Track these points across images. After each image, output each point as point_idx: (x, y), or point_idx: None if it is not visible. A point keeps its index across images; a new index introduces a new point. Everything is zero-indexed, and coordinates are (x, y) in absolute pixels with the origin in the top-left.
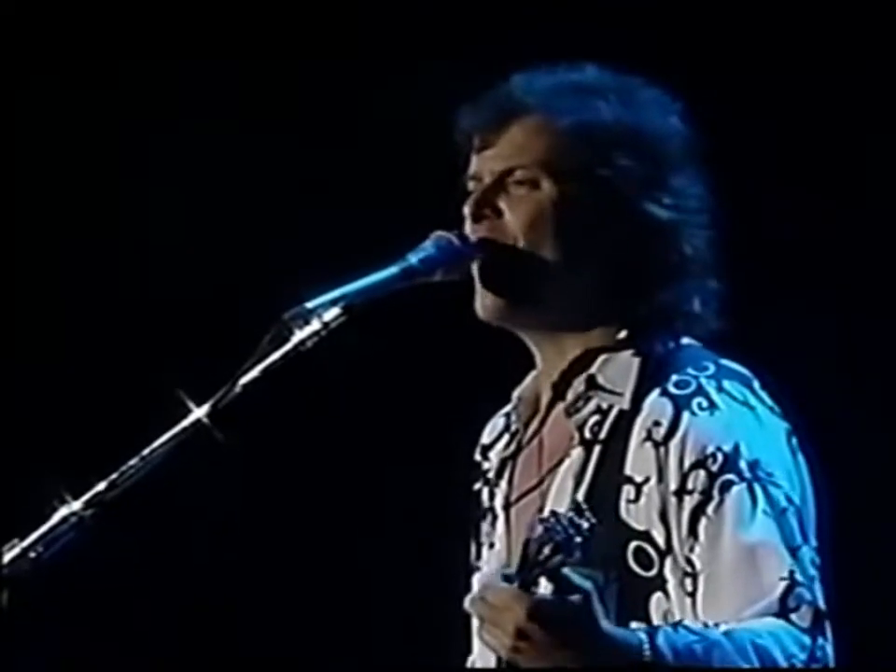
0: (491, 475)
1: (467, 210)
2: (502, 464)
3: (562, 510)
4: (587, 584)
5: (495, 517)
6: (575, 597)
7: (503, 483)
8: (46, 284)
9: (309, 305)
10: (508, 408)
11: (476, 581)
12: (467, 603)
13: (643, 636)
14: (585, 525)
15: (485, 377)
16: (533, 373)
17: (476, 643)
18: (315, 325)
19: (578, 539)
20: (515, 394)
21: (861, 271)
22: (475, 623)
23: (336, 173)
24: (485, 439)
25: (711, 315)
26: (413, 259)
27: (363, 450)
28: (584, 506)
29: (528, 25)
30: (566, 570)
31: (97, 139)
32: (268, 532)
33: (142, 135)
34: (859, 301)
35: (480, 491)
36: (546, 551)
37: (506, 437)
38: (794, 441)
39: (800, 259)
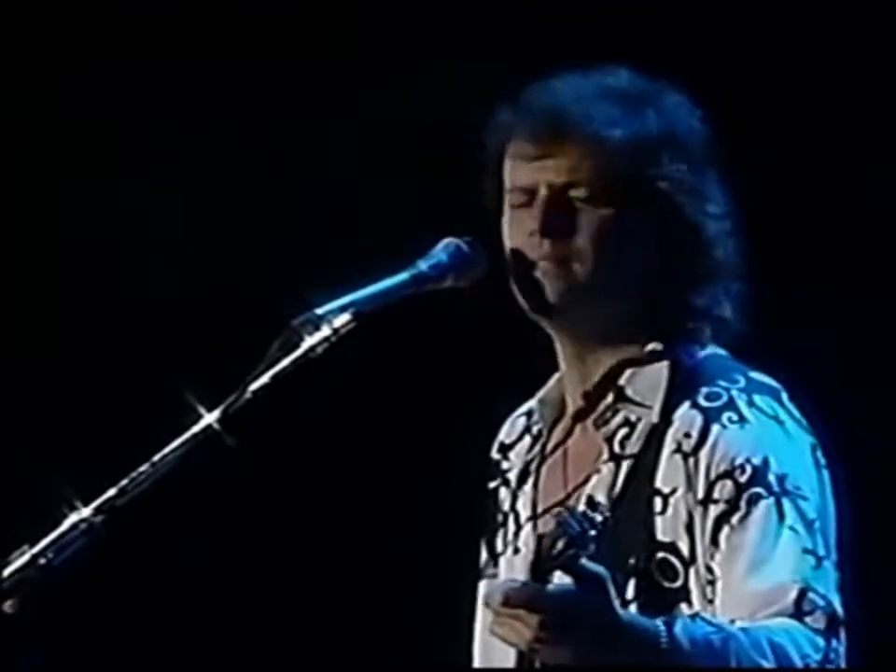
0: (511, 476)
1: (534, 224)
2: (525, 468)
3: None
4: (601, 571)
5: (518, 522)
6: (591, 585)
7: (527, 488)
8: (53, 289)
9: (319, 311)
10: (526, 407)
11: (488, 583)
12: (484, 598)
13: (661, 624)
14: (599, 518)
15: (493, 382)
16: (556, 376)
17: (479, 646)
18: (325, 331)
19: (592, 533)
20: (538, 396)
21: (880, 275)
22: (483, 623)
23: (344, 177)
24: (505, 437)
25: (739, 319)
26: (423, 265)
27: (370, 455)
28: (598, 500)
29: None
30: (580, 561)
31: (98, 139)
32: (277, 536)
33: (143, 135)
34: (877, 304)
35: (497, 490)
36: (560, 545)
37: (527, 438)
38: (819, 454)
39: (814, 261)
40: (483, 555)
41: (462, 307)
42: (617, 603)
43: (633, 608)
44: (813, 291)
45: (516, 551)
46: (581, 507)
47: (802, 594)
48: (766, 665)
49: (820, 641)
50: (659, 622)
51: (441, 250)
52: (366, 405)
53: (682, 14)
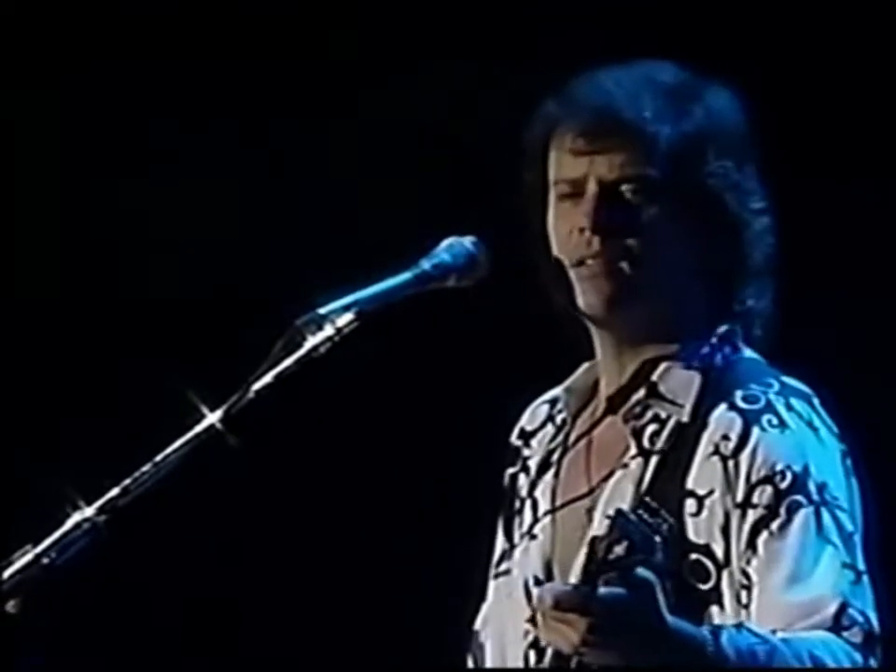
0: (532, 464)
1: (585, 221)
2: (548, 456)
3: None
4: (651, 577)
5: (536, 510)
6: (641, 590)
7: (548, 478)
8: (56, 288)
9: (322, 311)
10: (550, 395)
11: (502, 581)
12: (536, 595)
13: (707, 633)
14: (665, 525)
15: (495, 382)
16: (586, 365)
17: (490, 655)
18: (328, 330)
19: (657, 539)
20: (566, 384)
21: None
22: (498, 613)
23: (345, 176)
24: (527, 424)
25: (775, 318)
26: (426, 264)
27: (372, 454)
28: (655, 505)
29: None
30: (636, 568)
31: (98, 138)
32: (280, 535)
33: (144, 135)
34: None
35: (516, 476)
36: (618, 550)
37: (550, 427)
38: (849, 462)
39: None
40: (499, 542)
41: (465, 306)
42: (665, 609)
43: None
44: (828, 293)
45: (532, 537)
46: (640, 510)
47: (842, 608)
48: None
49: (858, 656)
50: (706, 630)
51: (445, 249)
52: (368, 405)
53: (695, 12)
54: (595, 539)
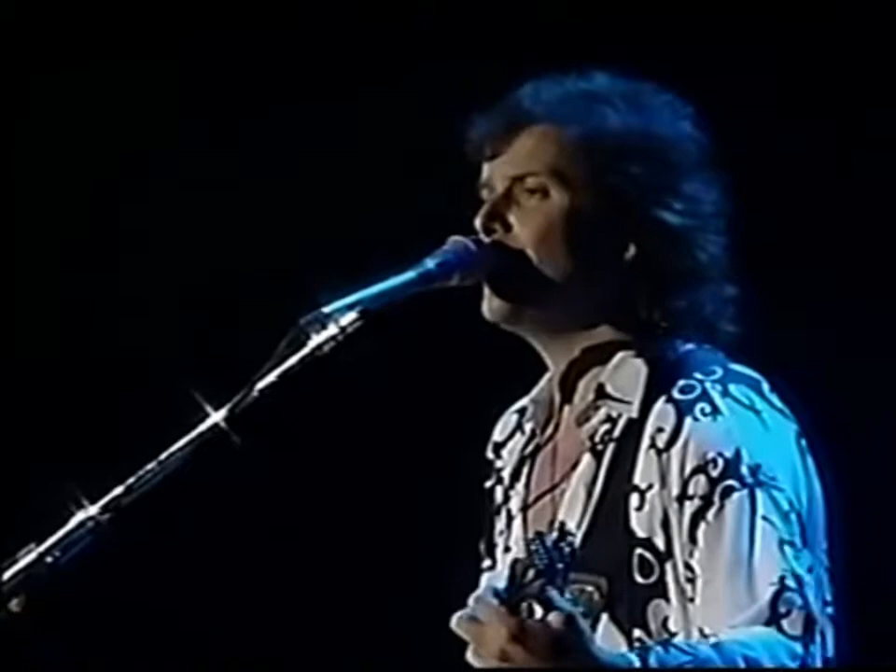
0: (505, 475)
1: (478, 222)
2: (519, 465)
3: (575, 517)
4: (568, 607)
5: (510, 519)
6: (558, 619)
7: (519, 486)
8: (59, 287)
9: (326, 310)
10: (519, 404)
11: (483, 584)
12: (453, 621)
13: (634, 658)
14: (567, 549)
15: (497, 381)
16: (547, 376)
17: None
18: (332, 329)
19: (559, 566)
20: (530, 396)
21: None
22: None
23: (352, 176)
24: (497, 436)
25: (726, 322)
26: (430, 263)
27: (377, 453)
28: (569, 527)
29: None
30: (551, 593)
31: (99, 137)
32: (282, 533)
33: (145, 133)
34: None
35: (493, 489)
36: (530, 574)
37: (519, 436)
38: (803, 442)
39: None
40: (483, 556)
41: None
42: (589, 637)
43: (617, 605)
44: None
45: (506, 550)
46: (553, 535)
47: (778, 594)
48: None
49: (798, 648)
50: (633, 655)
51: (448, 248)
52: (371, 404)
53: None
54: (515, 562)
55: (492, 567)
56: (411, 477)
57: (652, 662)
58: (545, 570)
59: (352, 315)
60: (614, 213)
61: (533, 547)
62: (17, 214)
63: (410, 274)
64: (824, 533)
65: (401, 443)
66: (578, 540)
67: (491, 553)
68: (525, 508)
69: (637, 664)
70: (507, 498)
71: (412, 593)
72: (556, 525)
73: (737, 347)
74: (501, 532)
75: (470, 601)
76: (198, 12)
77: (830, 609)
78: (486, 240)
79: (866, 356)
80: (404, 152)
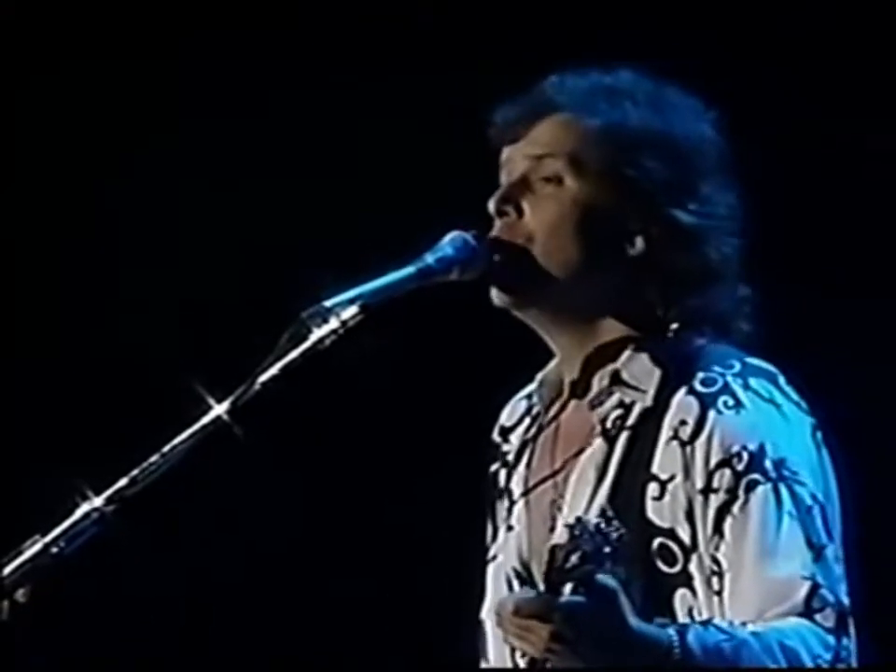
0: (510, 458)
1: (491, 205)
2: (522, 447)
3: (583, 501)
4: (612, 583)
5: (512, 500)
6: (602, 597)
7: (521, 467)
8: (64, 280)
9: (327, 304)
10: (528, 389)
11: (491, 568)
12: (488, 613)
13: (673, 633)
14: (614, 535)
15: (499, 373)
16: (556, 359)
17: (492, 646)
18: (334, 323)
19: (607, 549)
20: (539, 376)
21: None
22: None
23: (352, 171)
24: (505, 420)
25: (741, 321)
26: (429, 258)
27: (379, 445)
28: (611, 513)
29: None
30: (595, 575)
31: (99, 135)
32: (285, 525)
33: (147, 131)
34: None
35: (497, 472)
36: (574, 559)
37: (527, 420)
38: (819, 435)
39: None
40: (488, 537)
41: (469, 299)
42: (630, 614)
43: (633, 591)
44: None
45: (509, 528)
46: (595, 519)
47: (812, 591)
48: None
49: (831, 640)
50: (672, 630)
51: (447, 243)
52: (374, 395)
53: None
54: (555, 548)
55: (496, 558)
56: (412, 470)
57: (691, 638)
58: (592, 554)
59: (353, 310)
60: (626, 206)
61: (576, 531)
62: (18, 211)
63: (409, 269)
64: (840, 527)
65: (402, 437)
66: (623, 528)
67: (495, 535)
68: (527, 488)
69: (676, 639)
70: (509, 479)
71: (414, 584)
72: (570, 506)
73: (751, 345)
74: (504, 513)
75: (510, 596)
76: (197, 12)
77: (847, 601)
78: (497, 222)
79: (874, 351)
80: (404, 148)
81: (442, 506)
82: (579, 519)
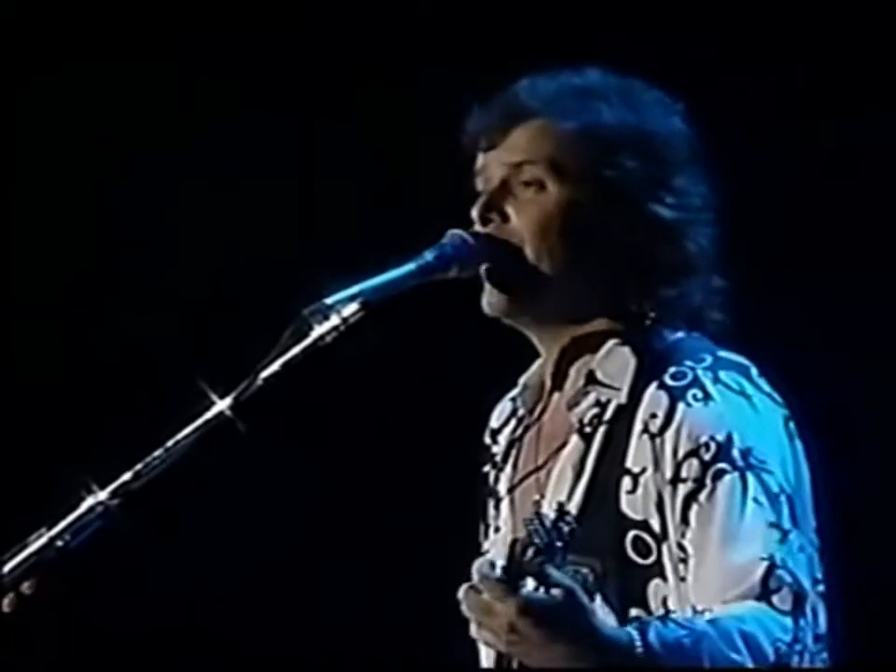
0: (498, 459)
1: (474, 213)
2: (508, 448)
3: (562, 499)
4: (568, 582)
5: (499, 500)
6: (560, 594)
7: (508, 468)
8: (69, 272)
9: (328, 301)
10: (514, 392)
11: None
12: (460, 594)
13: (634, 632)
14: (566, 528)
15: (496, 370)
16: (538, 361)
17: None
18: (334, 320)
19: (559, 544)
20: (522, 380)
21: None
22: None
23: (353, 170)
24: (494, 423)
25: (714, 312)
26: (428, 256)
27: (378, 441)
28: (569, 508)
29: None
30: (549, 570)
31: (100, 133)
32: (286, 517)
33: (149, 129)
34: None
35: (488, 473)
36: (529, 553)
37: (513, 422)
38: (792, 426)
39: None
40: (481, 538)
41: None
42: (590, 612)
43: (610, 585)
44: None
45: (496, 529)
46: (552, 515)
47: (769, 571)
48: (738, 657)
49: (789, 622)
50: (633, 629)
51: (447, 241)
52: (373, 393)
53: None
54: (514, 542)
55: (489, 550)
56: (412, 466)
57: (651, 635)
58: (544, 549)
59: (353, 307)
60: (609, 205)
61: (532, 527)
62: (19, 209)
63: (409, 266)
64: (813, 513)
65: (404, 432)
66: (575, 523)
67: (488, 535)
68: (512, 488)
69: (638, 637)
70: (497, 480)
71: (413, 580)
72: (550, 504)
73: (724, 335)
74: (493, 514)
75: (475, 578)
76: (198, 12)
77: (821, 587)
78: (482, 230)
79: (852, 342)
80: (403, 147)
81: (444, 502)
82: (537, 513)
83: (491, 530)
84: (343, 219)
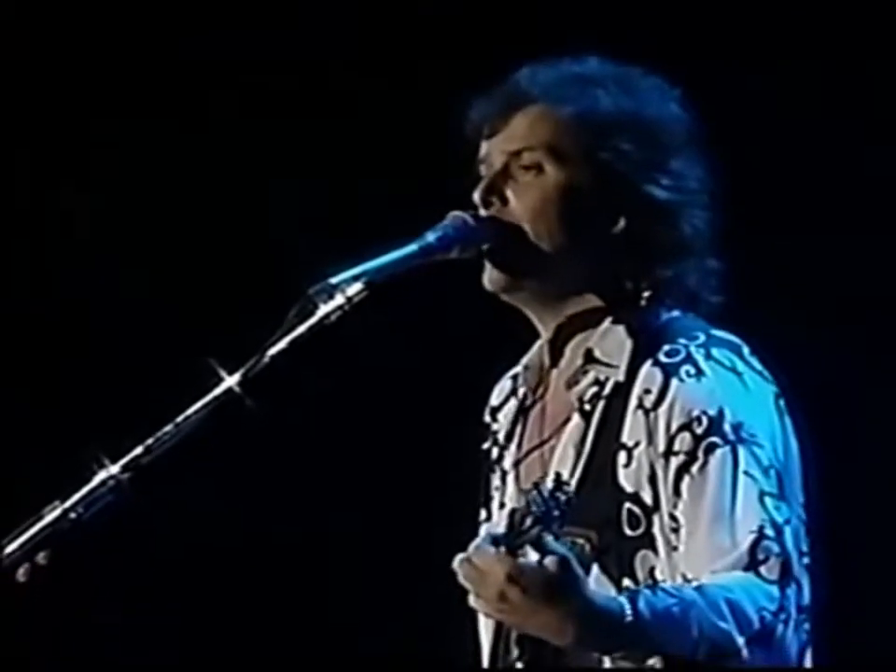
0: (500, 436)
1: (476, 196)
2: (512, 426)
3: (564, 474)
4: (563, 551)
5: (504, 475)
6: (552, 562)
7: (512, 447)
8: (79, 255)
9: (333, 280)
10: (514, 370)
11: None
12: (454, 564)
13: (625, 601)
14: (563, 498)
15: (497, 350)
16: (538, 343)
17: (482, 625)
18: (339, 299)
19: (556, 513)
20: (523, 361)
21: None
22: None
23: (354, 154)
24: (494, 401)
25: (709, 293)
26: (430, 237)
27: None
28: (566, 478)
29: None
30: (546, 538)
31: (101, 132)
32: (292, 493)
33: (150, 127)
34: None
35: (489, 450)
36: (528, 522)
37: (513, 400)
38: (782, 403)
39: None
40: (482, 516)
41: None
42: (583, 582)
43: (609, 557)
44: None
45: (501, 505)
46: (549, 485)
47: (757, 541)
48: (725, 625)
49: (775, 591)
50: (623, 598)
51: (448, 223)
52: (378, 372)
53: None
54: (513, 511)
55: (488, 519)
56: (415, 441)
57: (641, 604)
58: (542, 517)
59: (357, 286)
60: (606, 188)
61: (530, 496)
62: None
63: (411, 247)
64: (801, 488)
65: (407, 411)
66: (572, 493)
67: (487, 506)
68: (517, 464)
69: (628, 606)
70: (501, 457)
71: (414, 559)
72: (551, 476)
73: (719, 317)
74: (497, 488)
75: (470, 548)
76: (197, 11)
77: (806, 559)
78: (484, 213)
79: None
80: (404, 132)
81: (445, 475)
82: (535, 484)
83: (494, 506)
84: (345, 204)
